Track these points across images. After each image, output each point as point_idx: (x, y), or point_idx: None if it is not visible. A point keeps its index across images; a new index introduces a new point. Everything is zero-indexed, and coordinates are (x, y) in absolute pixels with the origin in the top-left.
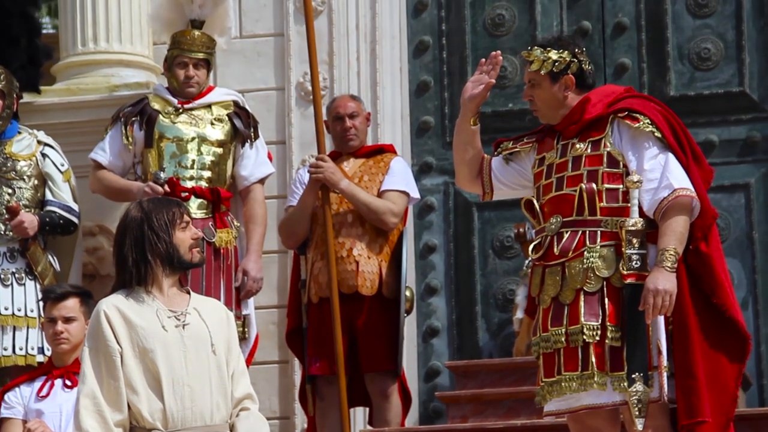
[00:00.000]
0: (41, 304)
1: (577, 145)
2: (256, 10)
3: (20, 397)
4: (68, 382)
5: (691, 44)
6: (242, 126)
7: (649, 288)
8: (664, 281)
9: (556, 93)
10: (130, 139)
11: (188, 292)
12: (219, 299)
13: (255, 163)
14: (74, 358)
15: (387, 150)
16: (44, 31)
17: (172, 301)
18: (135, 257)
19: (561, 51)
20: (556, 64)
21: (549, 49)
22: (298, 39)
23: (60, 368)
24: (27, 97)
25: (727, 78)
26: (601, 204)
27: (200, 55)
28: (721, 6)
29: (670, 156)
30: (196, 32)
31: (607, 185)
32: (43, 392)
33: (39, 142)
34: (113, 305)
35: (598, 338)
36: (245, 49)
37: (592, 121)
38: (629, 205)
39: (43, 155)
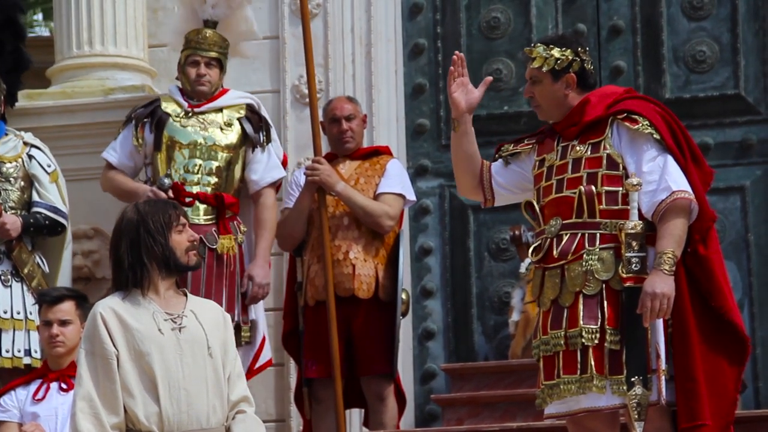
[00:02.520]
0: (37, 307)
1: (577, 147)
2: (252, 13)
3: (16, 400)
4: (64, 386)
5: (687, 47)
6: (252, 131)
7: (647, 291)
8: (662, 284)
9: (557, 91)
10: (140, 140)
11: (185, 294)
12: (221, 306)
13: (266, 167)
14: (70, 361)
15: (383, 152)
16: (40, 34)
17: (169, 304)
18: (131, 260)
19: (564, 49)
20: (558, 62)
21: (552, 46)
22: (293, 42)
23: (56, 371)
24: (22, 101)
25: (722, 81)
26: (601, 206)
27: (212, 54)
28: (716, 9)
29: (669, 158)
30: (208, 31)
31: (606, 187)
32: (39, 395)
33: (25, 143)
34: (109, 308)
35: (596, 341)
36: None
37: (592, 123)
38: (629, 207)
39: (30, 156)
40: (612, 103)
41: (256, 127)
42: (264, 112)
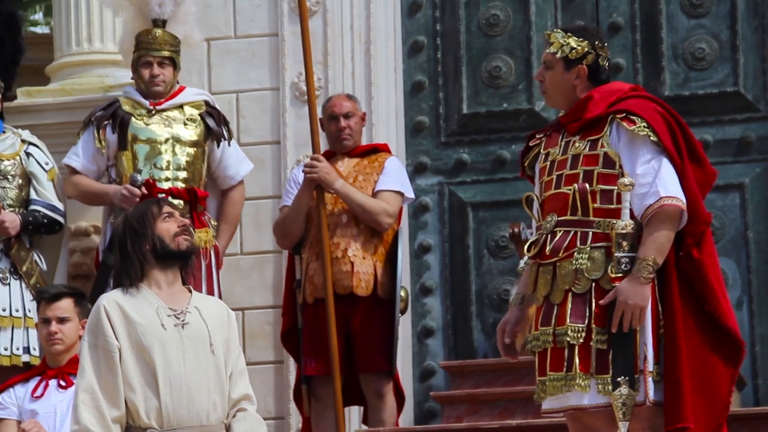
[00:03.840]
0: (35, 304)
1: (577, 144)
2: (251, 11)
3: (14, 397)
4: (62, 383)
5: (686, 44)
6: (215, 125)
7: (620, 300)
8: (635, 295)
9: (566, 80)
10: (102, 142)
11: (190, 291)
12: None
13: (236, 161)
14: (68, 358)
15: (381, 149)
16: (40, 31)
17: (173, 300)
18: (122, 258)
19: (581, 40)
20: (573, 51)
21: (570, 35)
22: (292, 39)
23: (54, 369)
24: (21, 98)
25: (721, 78)
26: (595, 205)
27: (164, 53)
28: (715, 6)
29: (664, 161)
30: (158, 31)
31: (601, 186)
32: (38, 392)
33: (23, 141)
34: (114, 301)
35: (582, 340)
36: (240, 50)
37: (593, 120)
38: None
39: (27, 154)
40: (615, 101)
41: (217, 122)
42: (219, 108)
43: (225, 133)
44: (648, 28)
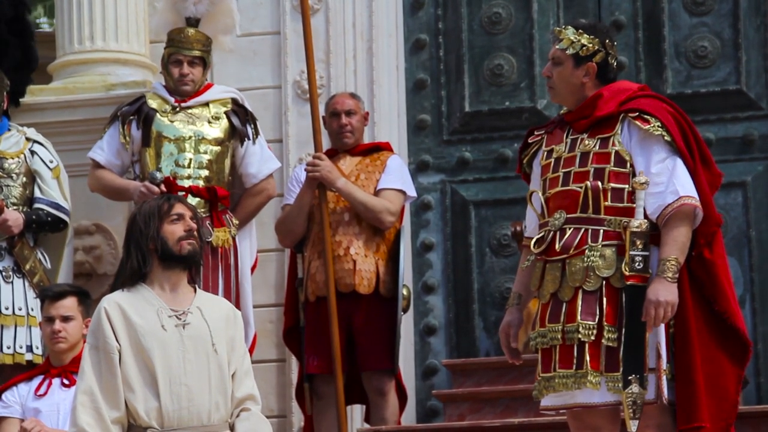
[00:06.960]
0: (38, 303)
1: (586, 141)
2: (253, 9)
3: (17, 396)
4: (66, 381)
5: (688, 42)
6: (239, 124)
7: (651, 300)
8: (665, 292)
9: (575, 77)
10: (127, 138)
11: (196, 291)
12: None
13: (261, 159)
14: (72, 357)
15: (384, 148)
16: (40, 30)
17: (176, 300)
18: (127, 255)
19: (592, 37)
20: (584, 48)
21: (581, 32)
22: (294, 37)
23: (58, 367)
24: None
25: (723, 76)
26: (606, 203)
27: (195, 53)
28: (717, 4)
29: (678, 161)
30: (191, 30)
31: (613, 184)
32: (41, 391)
33: (28, 139)
34: (114, 302)
35: (593, 338)
36: (242, 48)
37: (603, 118)
38: (635, 206)
39: (32, 152)
40: (625, 100)
41: (243, 120)
42: (248, 106)
43: (249, 132)
44: (650, 26)
